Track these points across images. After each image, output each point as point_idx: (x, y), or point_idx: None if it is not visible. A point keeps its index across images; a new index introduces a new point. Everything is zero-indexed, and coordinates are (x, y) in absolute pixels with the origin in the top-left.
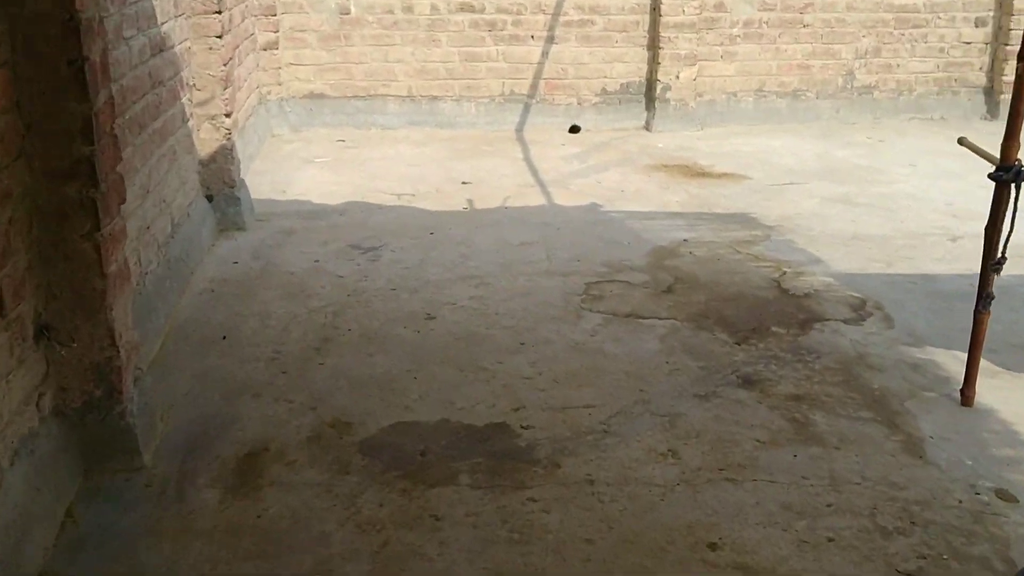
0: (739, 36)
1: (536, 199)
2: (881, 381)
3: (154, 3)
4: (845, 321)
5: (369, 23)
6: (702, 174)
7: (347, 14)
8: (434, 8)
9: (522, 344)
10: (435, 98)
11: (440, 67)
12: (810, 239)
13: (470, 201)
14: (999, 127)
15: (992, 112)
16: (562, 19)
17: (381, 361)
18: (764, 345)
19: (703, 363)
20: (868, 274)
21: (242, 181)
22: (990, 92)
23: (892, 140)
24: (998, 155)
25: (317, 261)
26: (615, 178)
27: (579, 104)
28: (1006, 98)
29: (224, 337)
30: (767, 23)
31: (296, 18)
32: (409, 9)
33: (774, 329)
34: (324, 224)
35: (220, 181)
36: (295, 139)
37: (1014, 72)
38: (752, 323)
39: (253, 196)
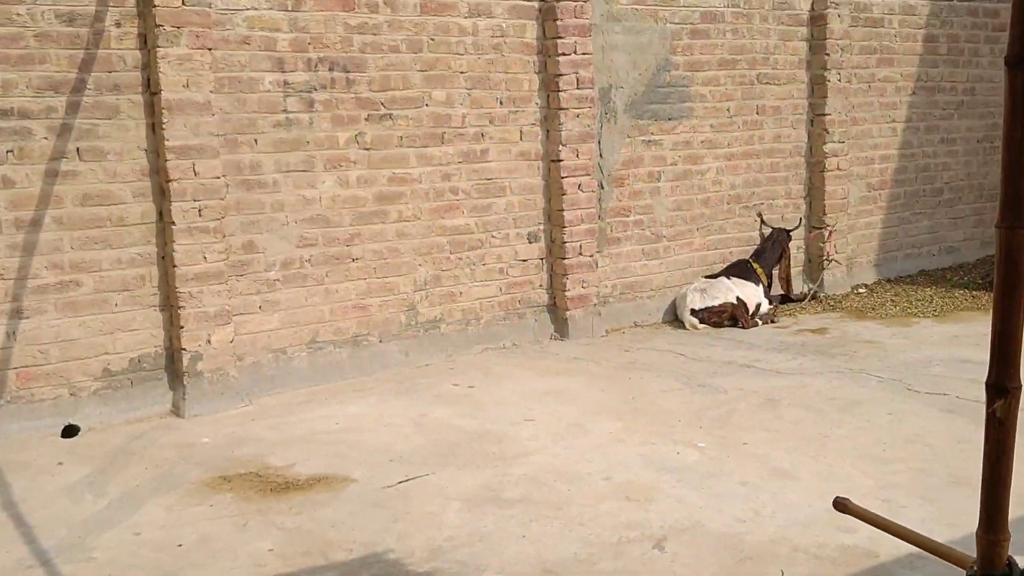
0: (279, 280)
1: None
2: None
3: None
4: None
5: None
6: (285, 485)
7: None
8: None
9: None
10: None
11: None
12: None
13: None
14: (572, 347)
15: (561, 331)
16: (31, 283)
17: None
18: None
19: None
20: None
21: None
22: (554, 310)
23: (483, 385)
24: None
25: None
26: (160, 518)
27: (73, 395)
28: (572, 314)
29: None
30: (310, 261)
31: None
32: None
33: None
34: None
35: None
36: None
37: (575, 287)
38: None
39: None
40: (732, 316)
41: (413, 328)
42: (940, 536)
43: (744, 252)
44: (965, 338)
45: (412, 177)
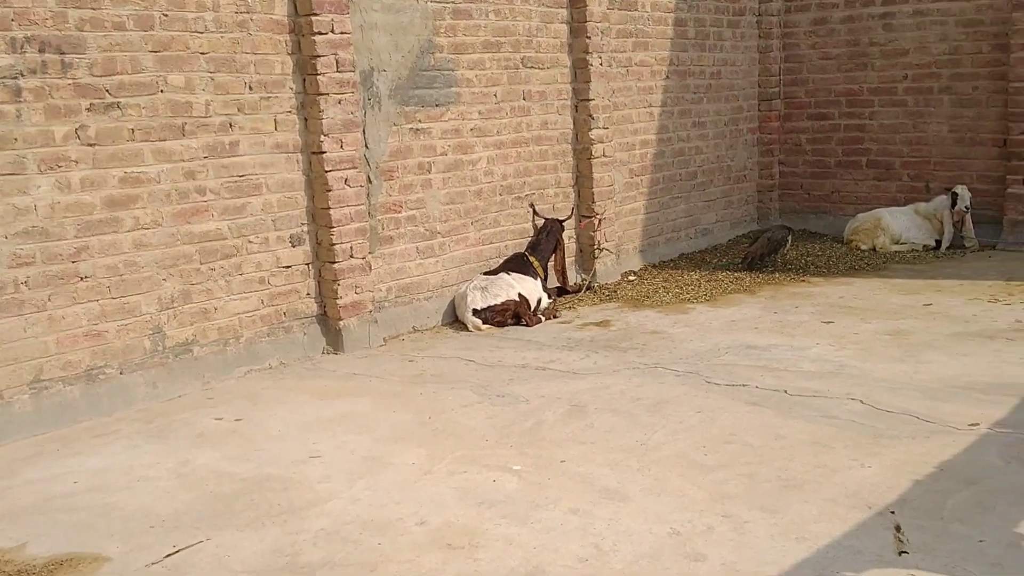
0: None
1: None
2: None
3: None
4: None
5: None
6: (16, 574)
7: None
8: None
9: None
10: None
11: None
12: None
13: None
14: (349, 361)
15: (334, 344)
16: None
17: None
18: None
19: None
20: None
21: None
22: (326, 320)
23: (253, 416)
24: None
25: None
26: None
27: None
28: (346, 324)
29: None
30: (27, 283)
31: None
32: None
33: None
34: None
35: None
36: None
37: (347, 294)
38: None
39: None
40: (516, 314)
41: (160, 354)
42: (794, 554)
43: (519, 245)
44: (742, 322)
45: (149, 176)
